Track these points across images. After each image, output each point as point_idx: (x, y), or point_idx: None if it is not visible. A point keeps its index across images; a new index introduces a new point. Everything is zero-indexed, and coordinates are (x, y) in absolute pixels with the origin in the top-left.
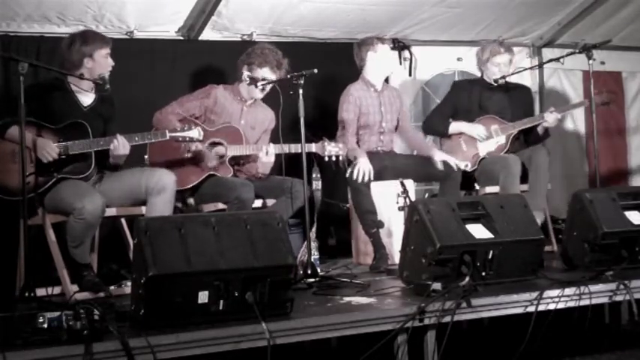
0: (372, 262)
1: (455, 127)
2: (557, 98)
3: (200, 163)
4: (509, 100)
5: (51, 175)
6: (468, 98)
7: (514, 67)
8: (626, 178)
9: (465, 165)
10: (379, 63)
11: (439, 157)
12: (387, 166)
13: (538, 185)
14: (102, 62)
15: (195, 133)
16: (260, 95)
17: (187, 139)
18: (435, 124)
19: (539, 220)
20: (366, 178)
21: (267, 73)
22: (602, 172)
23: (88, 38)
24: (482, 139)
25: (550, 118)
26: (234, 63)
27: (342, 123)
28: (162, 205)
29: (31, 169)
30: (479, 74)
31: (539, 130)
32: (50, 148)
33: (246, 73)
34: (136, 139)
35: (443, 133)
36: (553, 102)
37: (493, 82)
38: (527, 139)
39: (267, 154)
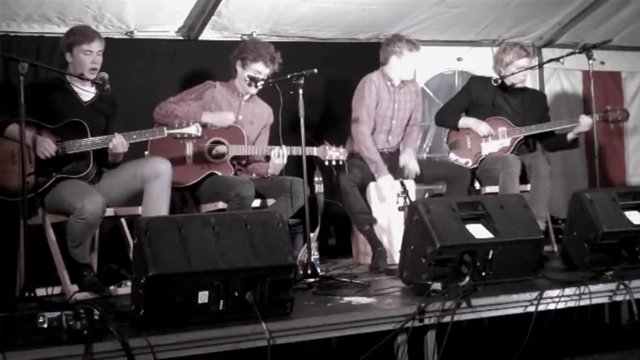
0: (372, 261)
1: (463, 122)
2: (557, 98)
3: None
4: (522, 105)
5: (50, 175)
6: (482, 94)
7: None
8: (624, 178)
9: (466, 162)
10: (401, 70)
11: (404, 160)
12: (391, 167)
13: (539, 193)
14: (80, 58)
15: (194, 129)
16: (254, 90)
17: (186, 135)
18: (446, 116)
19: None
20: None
21: (260, 67)
22: (601, 173)
23: (71, 32)
24: (486, 137)
25: (584, 121)
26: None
27: (357, 116)
28: (158, 192)
29: (30, 170)
30: (478, 74)
31: (570, 136)
32: (47, 144)
33: (246, 74)
34: (134, 137)
35: (452, 126)
36: (553, 102)
37: (505, 84)
38: (544, 145)
39: (279, 156)
